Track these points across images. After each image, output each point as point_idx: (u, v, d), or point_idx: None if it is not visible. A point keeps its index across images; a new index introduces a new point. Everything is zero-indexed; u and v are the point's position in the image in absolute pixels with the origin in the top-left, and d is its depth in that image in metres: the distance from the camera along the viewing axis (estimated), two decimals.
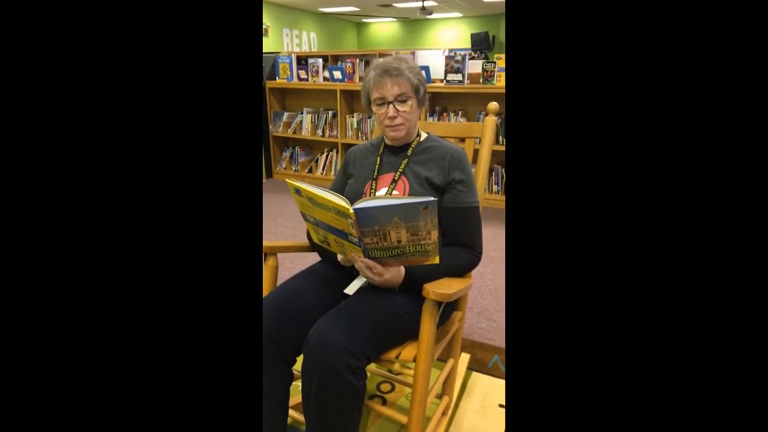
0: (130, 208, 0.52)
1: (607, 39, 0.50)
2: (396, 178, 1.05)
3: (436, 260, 0.89)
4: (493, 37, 9.12)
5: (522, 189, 0.54)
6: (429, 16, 9.42)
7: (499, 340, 1.63)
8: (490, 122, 1.20)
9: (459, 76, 3.11)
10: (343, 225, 0.84)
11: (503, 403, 1.30)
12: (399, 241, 0.86)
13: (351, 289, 0.99)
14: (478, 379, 1.40)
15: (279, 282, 1.13)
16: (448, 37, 9.94)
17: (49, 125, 0.50)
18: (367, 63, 4.06)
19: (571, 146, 0.51)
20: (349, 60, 3.57)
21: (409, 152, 1.08)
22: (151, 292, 0.52)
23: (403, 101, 1.01)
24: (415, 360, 0.90)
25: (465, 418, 1.23)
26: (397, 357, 0.91)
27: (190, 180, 0.53)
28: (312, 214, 0.90)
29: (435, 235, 0.85)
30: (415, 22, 10.15)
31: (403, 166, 1.06)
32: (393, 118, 1.01)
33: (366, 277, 0.93)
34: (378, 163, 1.09)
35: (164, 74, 0.53)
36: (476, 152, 1.23)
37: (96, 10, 0.51)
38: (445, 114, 3.30)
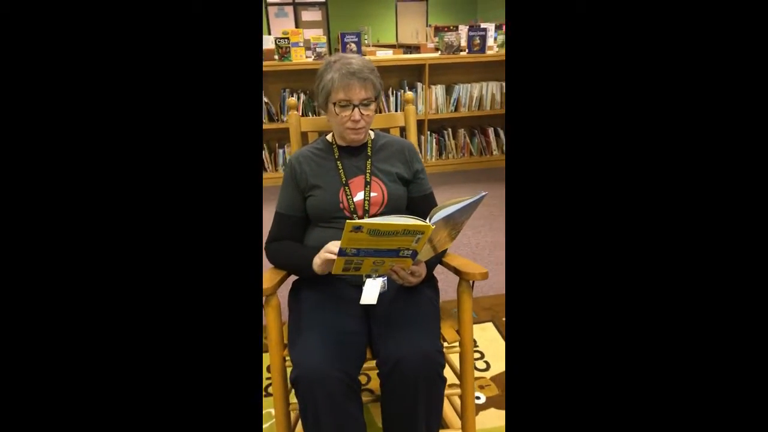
0: (134, 217, 0.54)
1: (604, 37, 0.53)
2: (368, 180, 1.07)
3: (450, 243, 0.98)
4: None
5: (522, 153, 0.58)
6: None
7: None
8: (411, 110, 1.32)
9: None
10: (402, 243, 0.84)
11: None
12: (440, 238, 0.91)
13: (372, 299, 1.00)
14: None
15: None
16: None
17: (46, 128, 0.52)
18: None
19: (566, 126, 0.55)
20: None
21: (369, 152, 1.11)
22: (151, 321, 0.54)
23: (367, 105, 1.03)
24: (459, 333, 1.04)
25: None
26: (444, 340, 1.03)
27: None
28: (358, 246, 0.85)
29: (465, 222, 0.94)
30: None
31: (369, 166, 1.09)
32: (357, 121, 1.03)
33: (408, 283, 0.98)
34: (341, 167, 1.09)
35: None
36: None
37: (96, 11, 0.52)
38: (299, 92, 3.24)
